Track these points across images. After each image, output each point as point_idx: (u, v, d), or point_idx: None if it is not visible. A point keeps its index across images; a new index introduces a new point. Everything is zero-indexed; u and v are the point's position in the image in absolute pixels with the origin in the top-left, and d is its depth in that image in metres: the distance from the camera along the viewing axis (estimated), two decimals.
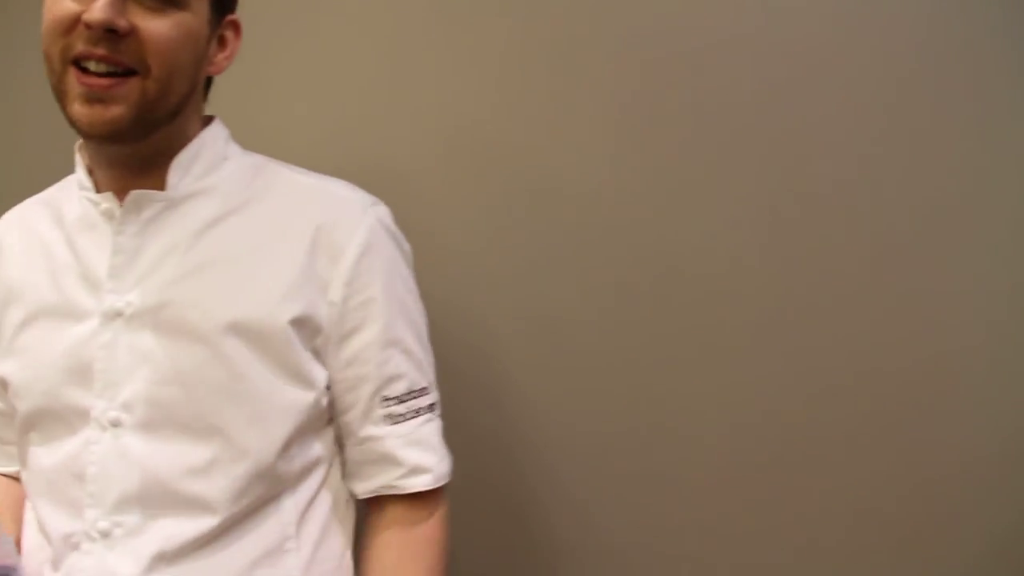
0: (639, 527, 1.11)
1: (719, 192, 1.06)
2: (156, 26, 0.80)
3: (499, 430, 1.15)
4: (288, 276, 0.87)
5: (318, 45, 1.24)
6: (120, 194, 0.87)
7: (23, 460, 0.91)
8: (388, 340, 0.90)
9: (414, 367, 0.92)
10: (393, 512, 0.92)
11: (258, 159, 0.95)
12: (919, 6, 0.99)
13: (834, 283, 1.03)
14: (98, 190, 0.89)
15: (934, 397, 1.00)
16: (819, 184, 1.03)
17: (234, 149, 0.94)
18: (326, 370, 0.90)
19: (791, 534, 1.05)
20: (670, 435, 1.09)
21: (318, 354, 0.90)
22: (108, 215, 0.88)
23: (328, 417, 0.92)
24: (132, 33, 0.79)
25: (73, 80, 0.80)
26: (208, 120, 0.94)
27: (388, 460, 0.91)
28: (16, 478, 0.98)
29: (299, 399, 0.87)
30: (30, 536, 0.90)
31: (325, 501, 0.92)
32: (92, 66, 0.79)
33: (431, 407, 0.93)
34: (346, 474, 0.95)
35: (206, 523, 0.84)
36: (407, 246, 0.96)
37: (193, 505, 0.84)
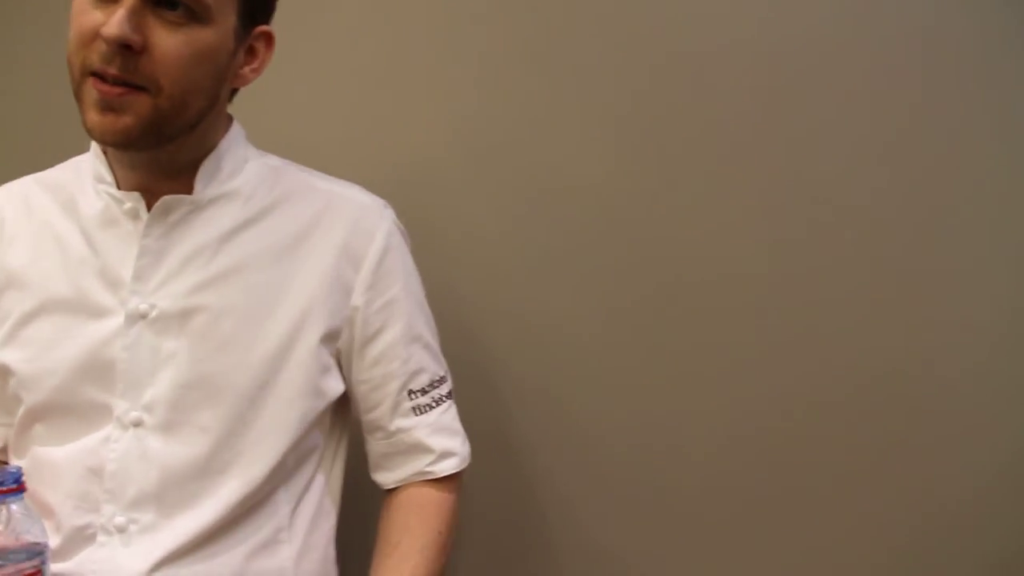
0: (632, 534, 1.13)
1: (726, 195, 1.08)
2: (171, 44, 0.81)
3: (497, 427, 1.17)
4: (317, 289, 0.91)
5: (322, 43, 1.22)
6: (145, 195, 0.88)
7: (20, 448, 0.92)
8: (411, 337, 0.96)
9: (432, 358, 0.98)
10: (417, 490, 0.97)
11: (275, 161, 0.97)
12: (920, 7, 1.00)
13: (841, 292, 1.04)
14: (119, 187, 0.89)
15: (939, 410, 1.01)
16: (826, 189, 1.04)
17: (252, 151, 0.96)
18: (343, 376, 0.95)
19: (789, 544, 1.07)
20: (670, 439, 1.11)
21: (339, 359, 0.94)
22: (132, 215, 0.89)
23: (318, 416, 0.95)
24: (146, 51, 0.80)
25: (90, 87, 0.81)
26: (228, 122, 0.95)
27: (418, 449, 0.96)
28: None
29: (314, 408, 0.92)
30: None
31: (316, 491, 0.96)
32: (108, 78, 0.80)
33: (449, 394, 0.99)
34: (371, 466, 0.99)
35: (215, 521, 0.88)
36: (409, 241, 1.01)
37: (207, 505, 0.88)
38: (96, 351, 0.87)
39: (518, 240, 1.16)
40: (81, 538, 0.87)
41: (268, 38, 0.91)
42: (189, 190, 0.90)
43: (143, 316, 0.88)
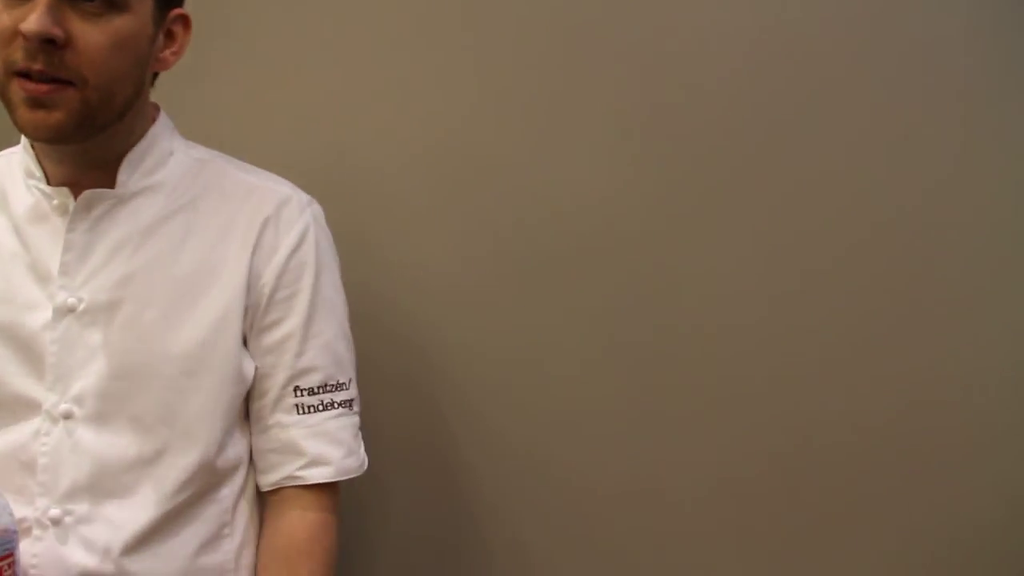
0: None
1: (712, 208, 1.05)
2: (92, 35, 0.81)
3: (472, 444, 1.16)
4: (238, 279, 0.92)
5: (297, 47, 1.22)
6: (73, 189, 0.89)
7: None
8: (310, 333, 0.95)
9: (332, 361, 0.96)
10: (287, 521, 0.94)
11: (202, 152, 0.98)
12: (920, 7, 0.98)
13: (842, 317, 1.01)
14: (48, 182, 0.90)
15: (939, 455, 0.99)
16: (826, 209, 1.02)
17: (179, 142, 0.97)
18: (251, 358, 0.95)
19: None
20: (663, 471, 1.09)
21: (245, 341, 0.94)
22: (61, 210, 0.90)
23: (246, 408, 0.96)
24: (69, 44, 0.80)
25: (17, 88, 0.81)
26: (155, 111, 0.95)
27: (291, 449, 0.94)
28: None
29: (238, 393, 0.93)
30: None
31: (251, 488, 0.97)
32: (33, 75, 0.81)
33: (346, 403, 0.97)
34: (254, 466, 0.98)
35: (155, 512, 0.88)
36: (334, 247, 1.00)
37: (141, 495, 0.88)
38: (26, 345, 0.88)
39: (498, 251, 1.14)
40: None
41: (185, 21, 0.92)
42: (114, 184, 0.91)
43: (71, 310, 0.89)
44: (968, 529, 0.98)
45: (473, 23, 1.13)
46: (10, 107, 0.83)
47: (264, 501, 0.97)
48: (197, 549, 0.90)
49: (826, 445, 1.02)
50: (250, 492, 0.96)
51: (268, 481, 0.95)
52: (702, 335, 1.06)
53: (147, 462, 0.88)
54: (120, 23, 0.83)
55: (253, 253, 0.93)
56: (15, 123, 0.84)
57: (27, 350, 0.88)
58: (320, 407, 0.94)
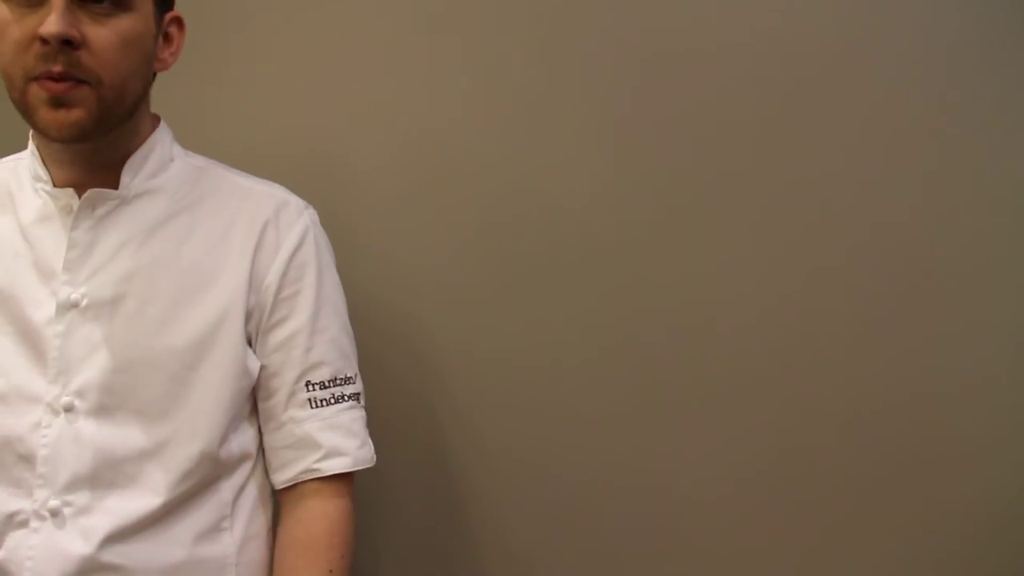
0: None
1: (711, 201, 1.06)
2: (104, 35, 0.85)
3: (468, 441, 1.17)
4: (240, 277, 0.95)
5: (289, 49, 1.24)
6: (78, 190, 0.92)
7: None
8: (316, 329, 0.97)
9: (339, 356, 0.99)
10: (306, 513, 0.96)
11: (200, 161, 1.01)
12: (919, 6, 1.00)
13: (841, 318, 1.03)
14: (54, 184, 0.93)
15: (943, 448, 1.00)
16: (818, 190, 1.03)
17: (178, 150, 1.00)
18: (257, 358, 0.97)
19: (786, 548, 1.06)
20: (663, 466, 1.10)
21: (251, 341, 0.97)
22: (66, 210, 0.92)
23: (252, 405, 0.99)
24: (84, 45, 0.84)
25: (37, 89, 0.84)
26: (156, 121, 0.99)
27: (307, 443, 0.96)
28: None
29: (241, 388, 0.95)
30: None
31: (253, 486, 0.98)
32: (53, 77, 0.83)
33: (354, 396, 1.00)
34: (268, 466, 1.00)
35: (154, 502, 0.90)
36: (331, 249, 1.04)
37: (143, 485, 0.90)
38: (29, 339, 0.90)
39: (484, 250, 1.15)
40: (11, 524, 0.88)
41: (179, 22, 0.96)
42: (117, 185, 0.94)
43: (74, 305, 0.91)
44: (973, 524, 0.99)
45: (464, 22, 1.15)
46: (29, 110, 0.86)
47: (278, 499, 0.99)
48: (195, 539, 0.92)
49: (829, 440, 1.03)
50: (253, 489, 0.98)
51: (285, 477, 0.97)
52: (703, 331, 1.07)
53: (149, 454, 0.90)
54: (128, 23, 0.87)
55: (254, 254, 0.95)
56: (35, 125, 0.87)
57: (30, 345, 0.90)
58: (332, 400, 0.97)
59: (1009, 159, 0.98)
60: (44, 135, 0.88)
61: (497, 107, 1.14)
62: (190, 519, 0.92)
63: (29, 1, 0.83)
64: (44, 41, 0.82)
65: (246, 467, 0.97)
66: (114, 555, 0.88)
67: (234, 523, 0.95)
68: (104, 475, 0.89)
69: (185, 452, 0.91)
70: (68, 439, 0.89)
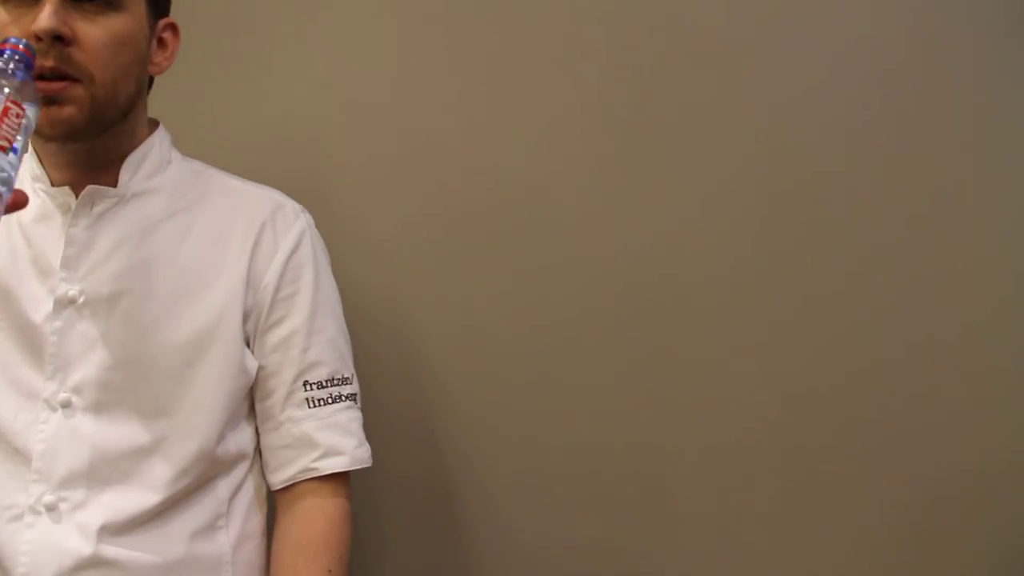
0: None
1: (706, 192, 1.07)
2: (95, 33, 0.86)
3: (465, 440, 1.17)
4: (237, 276, 0.95)
5: (279, 50, 1.25)
6: (75, 189, 0.93)
7: None
8: (314, 329, 0.98)
9: (336, 356, 1.00)
10: (304, 512, 0.96)
11: (197, 164, 1.02)
12: (918, 6, 1.00)
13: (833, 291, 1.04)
14: (52, 184, 0.94)
15: (936, 401, 1.01)
16: (807, 176, 1.04)
17: (176, 154, 1.01)
18: (255, 358, 0.98)
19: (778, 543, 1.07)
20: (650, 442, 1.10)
21: (248, 342, 0.97)
22: (64, 208, 0.93)
23: (249, 405, 0.99)
24: (75, 42, 0.85)
25: None
26: (154, 124, 1.00)
27: (304, 442, 0.96)
28: None
29: (239, 387, 0.95)
30: None
31: (250, 485, 0.99)
32: (45, 74, 0.85)
33: (351, 397, 1.00)
34: (265, 466, 1.00)
35: (150, 499, 0.90)
36: (327, 251, 1.05)
37: (139, 482, 0.90)
38: (27, 335, 0.91)
39: (468, 246, 1.16)
40: (6, 519, 0.88)
41: (174, 28, 0.98)
42: (115, 185, 0.95)
43: (72, 302, 0.91)
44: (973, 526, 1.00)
45: (462, 23, 1.16)
46: None
47: (276, 499, 0.99)
48: (191, 536, 0.92)
49: (825, 425, 1.04)
50: (250, 489, 0.98)
51: (283, 477, 0.97)
52: (697, 319, 1.08)
53: (146, 451, 0.90)
54: (119, 22, 0.88)
55: (252, 255, 0.96)
56: None
57: (28, 342, 0.91)
58: (329, 400, 0.97)
59: (1009, 159, 0.99)
60: (38, 133, 0.88)
61: (495, 108, 1.15)
62: (186, 516, 0.92)
63: (25, 1, 0.85)
64: (37, 38, 0.83)
65: (243, 466, 0.98)
66: (110, 551, 0.88)
67: (230, 522, 0.95)
68: (101, 471, 0.89)
69: (182, 449, 0.91)
70: (65, 435, 0.89)
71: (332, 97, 1.22)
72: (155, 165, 0.97)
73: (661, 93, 1.09)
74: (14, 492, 0.89)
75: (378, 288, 1.19)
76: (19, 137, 0.74)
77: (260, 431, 0.99)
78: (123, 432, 0.90)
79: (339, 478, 0.98)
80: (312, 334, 0.98)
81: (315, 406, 0.97)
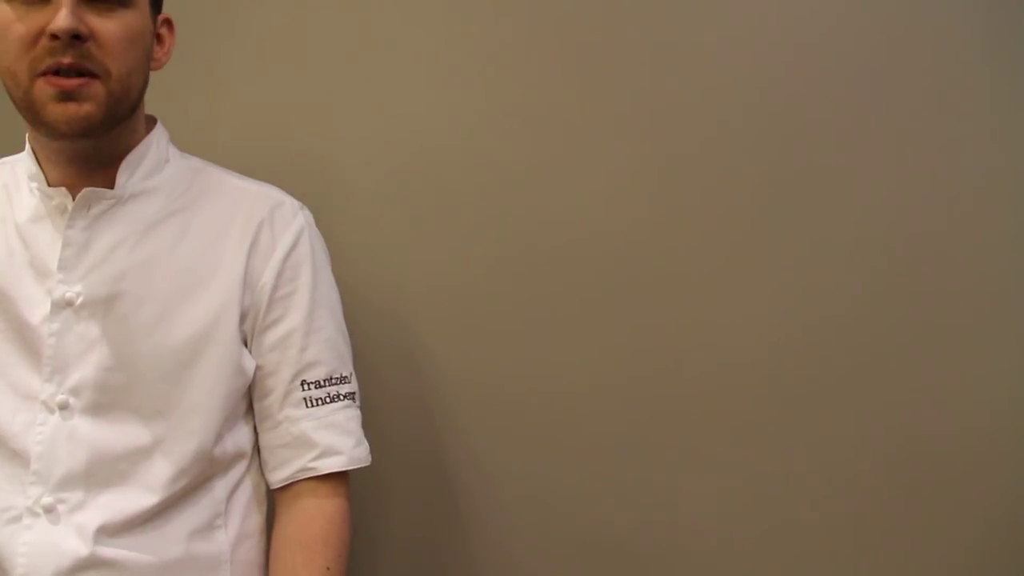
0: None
1: (718, 213, 1.06)
2: (110, 29, 0.87)
3: (464, 446, 1.17)
4: (235, 276, 0.95)
5: (277, 49, 1.23)
6: (72, 190, 0.93)
7: None
8: (312, 328, 0.98)
9: (335, 356, 0.99)
10: (302, 512, 0.96)
11: (195, 162, 1.02)
12: (918, 6, 1.00)
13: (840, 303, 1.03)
14: (49, 184, 0.94)
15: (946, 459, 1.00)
16: (808, 183, 1.03)
17: (173, 152, 1.01)
18: (253, 357, 0.98)
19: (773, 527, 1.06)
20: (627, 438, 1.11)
21: (246, 341, 0.97)
22: (60, 209, 0.93)
23: (247, 404, 0.99)
24: (92, 38, 0.85)
25: (43, 86, 0.85)
26: (152, 122, 1.00)
27: (302, 442, 0.96)
28: None
29: (237, 387, 0.95)
30: None
31: (248, 484, 0.99)
32: (63, 70, 0.85)
33: (350, 396, 1.00)
34: (263, 465, 1.00)
35: (148, 500, 0.90)
36: (326, 249, 1.04)
37: (137, 483, 0.90)
38: (24, 337, 0.91)
39: (473, 253, 1.15)
40: (4, 521, 0.89)
41: (169, 24, 0.99)
42: (113, 185, 0.94)
43: (69, 303, 0.91)
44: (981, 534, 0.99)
45: (461, 24, 1.15)
46: (36, 107, 0.86)
47: (274, 499, 0.99)
48: (189, 536, 0.92)
49: (840, 473, 1.03)
50: (248, 488, 0.98)
51: (281, 476, 0.97)
52: (708, 344, 1.07)
53: (144, 451, 0.91)
54: (130, 17, 0.89)
55: (250, 254, 0.96)
56: (41, 121, 0.87)
57: (26, 344, 0.91)
58: (327, 399, 0.97)
59: (1010, 159, 0.98)
60: (52, 130, 0.87)
61: (494, 109, 1.14)
62: (184, 516, 0.92)
63: None
64: (54, 37, 0.83)
65: (241, 466, 0.98)
66: (108, 552, 0.88)
67: (228, 521, 0.96)
68: (98, 473, 0.89)
69: (180, 450, 0.91)
70: (63, 437, 0.89)
71: (332, 93, 1.21)
72: (153, 164, 0.97)
73: (664, 93, 1.08)
74: (12, 494, 0.89)
75: (378, 287, 1.18)
76: None
77: (258, 430, 1.00)
78: (121, 433, 0.90)
79: (338, 477, 0.98)
80: (310, 334, 0.98)
81: (313, 405, 0.97)
